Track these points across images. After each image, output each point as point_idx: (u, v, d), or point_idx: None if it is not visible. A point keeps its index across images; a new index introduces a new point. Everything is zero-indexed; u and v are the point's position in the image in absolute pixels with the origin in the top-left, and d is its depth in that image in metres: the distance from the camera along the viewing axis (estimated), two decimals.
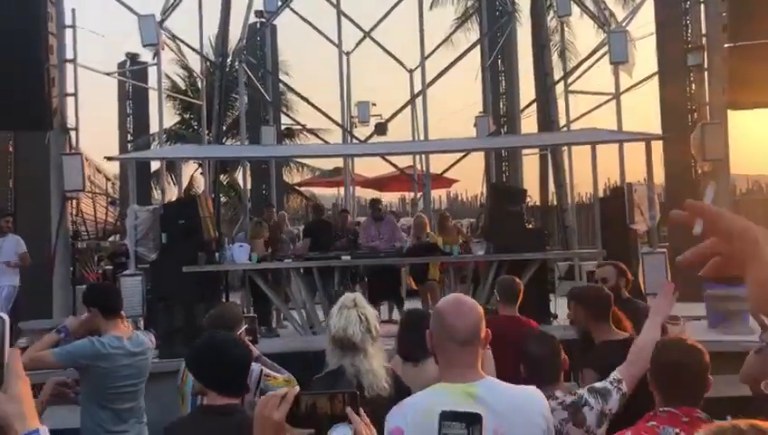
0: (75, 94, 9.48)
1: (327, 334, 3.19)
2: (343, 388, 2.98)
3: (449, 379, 2.23)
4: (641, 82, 12.13)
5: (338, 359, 3.07)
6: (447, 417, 1.28)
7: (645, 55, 14.30)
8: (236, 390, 2.67)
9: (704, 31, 9.84)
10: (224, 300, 9.67)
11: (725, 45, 8.88)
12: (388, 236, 9.69)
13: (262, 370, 3.62)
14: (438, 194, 21.40)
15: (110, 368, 3.85)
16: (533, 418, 2.17)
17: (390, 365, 3.35)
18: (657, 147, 11.18)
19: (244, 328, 3.95)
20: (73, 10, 9.63)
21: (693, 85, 11.09)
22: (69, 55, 9.52)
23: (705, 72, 9.81)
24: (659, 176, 12.09)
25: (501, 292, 4.83)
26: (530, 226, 10.03)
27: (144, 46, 10.65)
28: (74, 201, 9.98)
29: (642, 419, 2.56)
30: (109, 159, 9.23)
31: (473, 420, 1.41)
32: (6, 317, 1.28)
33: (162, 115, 10.88)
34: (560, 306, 8.25)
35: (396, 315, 9.42)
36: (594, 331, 3.85)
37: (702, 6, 10.03)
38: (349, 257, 8.89)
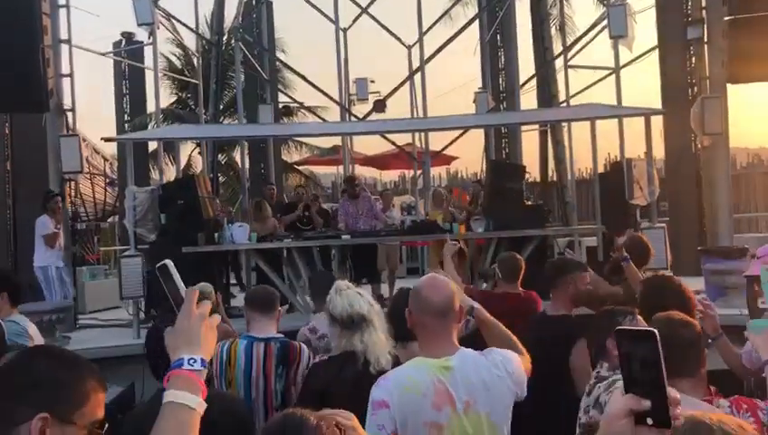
0: (71, 75, 9.40)
1: (328, 319, 3.18)
2: (349, 373, 2.97)
3: (427, 353, 2.38)
4: (641, 56, 12.03)
5: (346, 340, 3.07)
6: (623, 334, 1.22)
7: (645, 29, 14.20)
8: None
9: (703, 4, 9.75)
10: (224, 281, 9.71)
11: (725, 18, 8.81)
12: (366, 212, 9.58)
13: (310, 353, 3.64)
14: (438, 171, 21.32)
15: None
16: (505, 387, 2.35)
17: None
18: (658, 121, 11.14)
19: (282, 308, 3.93)
20: None
21: (693, 59, 11.00)
22: (63, 36, 9.43)
23: (705, 46, 9.73)
24: (659, 150, 12.07)
25: (502, 269, 4.82)
26: (529, 202, 10.02)
27: (139, 26, 10.53)
28: (73, 182, 9.95)
29: None
30: (106, 140, 9.17)
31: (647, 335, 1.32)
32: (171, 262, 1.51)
33: (158, 95, 10.79)
34: None
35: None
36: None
37: None
38: (348, 237, 8.89)
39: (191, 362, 1.40)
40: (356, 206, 9.58)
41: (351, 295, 3.13)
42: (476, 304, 2.75)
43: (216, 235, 8.76)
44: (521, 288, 4.75)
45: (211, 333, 1.48)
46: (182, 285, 1.47)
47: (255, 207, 9.90)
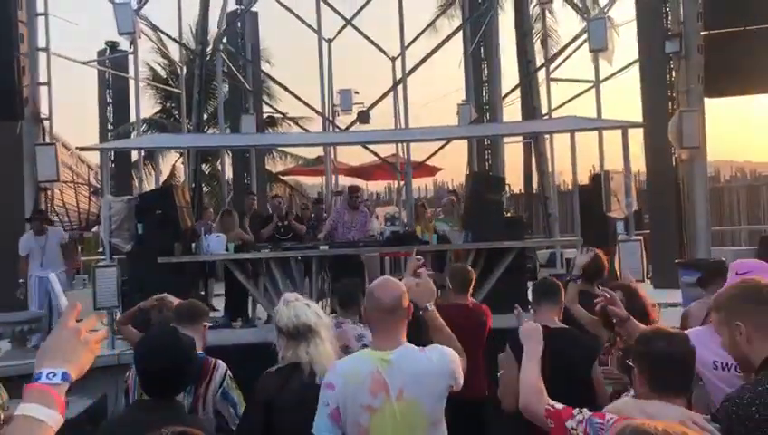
0: (48, 83, 9.35)
1: (276, 332, 3.20)
2: (295, 384, 2.99)
3: (374, 346, 2.76)
4: (622, 69, 12.12)
5: (292, 351, 3.10)
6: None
7: (628, 43, 14.30)
8: (159, 392, 2.65)
9: (682, 19, 9.82)
10: (202, 292, 9.62)
11: (702, 33, 8.88)
12: (359, 226, 9.55)
13: (227, 370, 3.62)
14: (424, 182, 21.37)
15: None
16: (436, 379, 2.68)
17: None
18: (639, 134, 11.20)
19: (207, 324, 3.95)
20: None
21: (672, 73, 11.08)
22: (42, 44, 9.37)
23: (683, 60, 9.80)
24: (640, 163, 12.13)
25: (452, 280, 4.83)
26: (509, 214, 10.01)
27: (120, 35, 10.49)
28: (57, 191, 9.86)
29: None
30: (82, 149, 9.13)
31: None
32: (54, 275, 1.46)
33: (139, 104, 10.75)
34: None
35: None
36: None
37: None
38: (327, 247, 8.84)
39: (50, 375, 1.39)
40: (352, 216, 9.56)
41: (299, 307, 3.14)
42: (431, 307, 3.04)
43: (192, 245, 8.68)
44: (471, 299, 4.77)
45: (83, 348, 1.46)
46: (64, 299, 1.45)
47: (223, 214, 9.76)
